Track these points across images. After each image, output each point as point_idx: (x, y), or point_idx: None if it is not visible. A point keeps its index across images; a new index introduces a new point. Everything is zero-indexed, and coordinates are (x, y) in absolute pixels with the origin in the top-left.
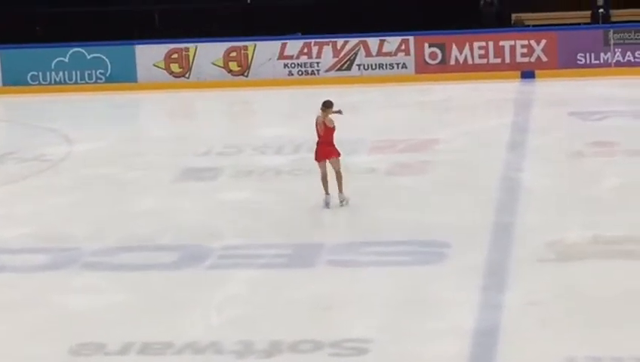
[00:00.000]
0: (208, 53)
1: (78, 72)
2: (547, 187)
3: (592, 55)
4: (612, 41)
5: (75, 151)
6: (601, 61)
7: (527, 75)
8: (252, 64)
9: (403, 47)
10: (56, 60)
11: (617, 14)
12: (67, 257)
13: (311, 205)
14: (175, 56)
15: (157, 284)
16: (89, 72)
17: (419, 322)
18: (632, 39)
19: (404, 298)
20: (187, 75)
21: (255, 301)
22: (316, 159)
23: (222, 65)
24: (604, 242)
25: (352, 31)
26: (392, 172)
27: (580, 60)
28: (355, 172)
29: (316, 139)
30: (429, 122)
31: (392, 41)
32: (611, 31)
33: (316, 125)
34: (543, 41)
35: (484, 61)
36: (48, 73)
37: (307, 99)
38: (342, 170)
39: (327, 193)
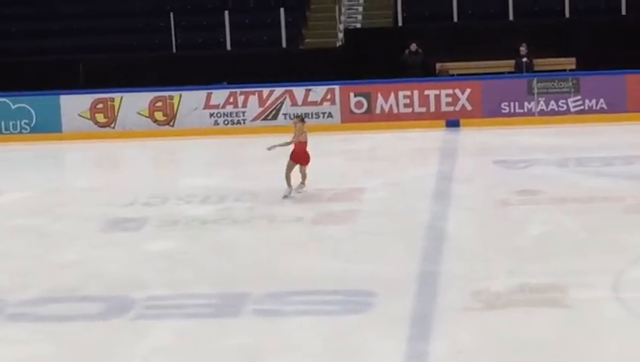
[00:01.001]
0: (134, 102)
1: (3, 122)
2: (472, 235)
3: (516, 104)
4: (536, 90)
5: (0, 202)
6: (525, 110)
7: (452, 123)
8: (178, 114)
9: (329, 96)
10: None
11: (541, 63)
12: None
13: (237, 254)
14: (100, 106)
15: (82, 335)
16: (14, 122)
17: None
18: (555, 88)
19: (329, 348)
20: (112, 125)
21: (181, 351)
22: (296, 160)
23: (147, 115)
24: (529, 290)
25: (278, 80)
26: (318, 221)
27: (505, 109)
28: (282, 221)
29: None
30: (354, 171)
31: (318, 91)
32: (535, 80)
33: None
34: (468, 90)
35: (410, 110)
36: None
37: (233, 149)
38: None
39: (289, 186)
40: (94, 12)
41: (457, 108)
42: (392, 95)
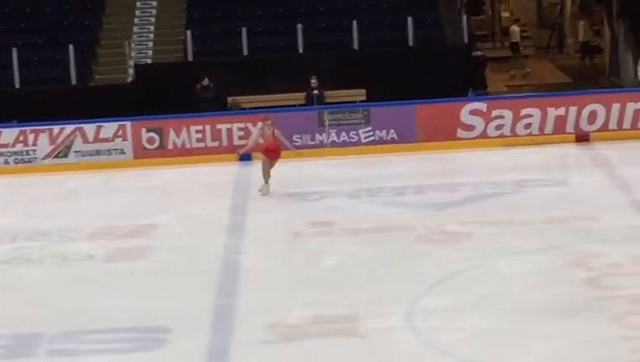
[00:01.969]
0: None
1: None
2: (267, 268)
3: (309, 136)
4: (327, 122)
5: None
6: (317, 142)
7: (245, 157)
8: None
9: (120, 132)
10: None
11: (332, 95)
12: None
13: (29, 294)
14: None
15: None
16: None
17: None
18: (346, 120)
19: None
20: None
21: None
22: (271, 157)
23: None
24: (324, 321)
25: (69, 117)
26: (111, 258)
27: (297, 142)
28: (74, 259)
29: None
30: (148, 207)
31: (109, 127)
32: (326, 112)
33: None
34: (260, 124)
35: (202, 144)
36: None
37: (24, 188)
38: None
39: (267, 183)
40: None
41: (249, 141)
42: (185, 130)
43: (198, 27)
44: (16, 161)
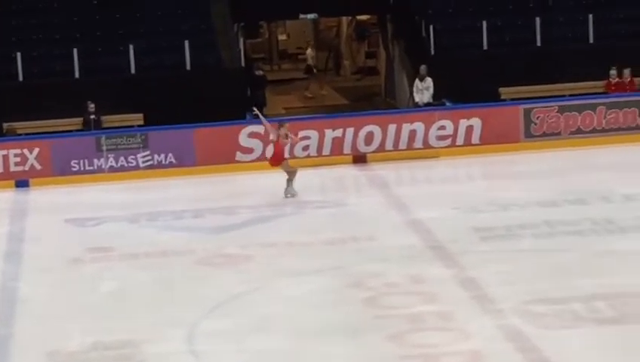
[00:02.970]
0: None
1: None
2: (46, 296)
3: (86, 161)
4: (104, 147)
5: None
6: (95, 167)
7: (22, 183)
8: None
9: None
10: None
11: (109, 120)
12: None
13: None
14: None
15: None
16: None
17: None
18: (124, 144)
19: None
20: None
21: None
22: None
23: None
24: (103, 348)
25: None
26: None
27: (75, 167)
28: None
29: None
30: None
31: None
32: (103, 137)
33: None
34: (37, 150)
35: None
36: None
37: None
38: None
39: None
40: None
41: (27, 167)
42: None
43: None
44: None
